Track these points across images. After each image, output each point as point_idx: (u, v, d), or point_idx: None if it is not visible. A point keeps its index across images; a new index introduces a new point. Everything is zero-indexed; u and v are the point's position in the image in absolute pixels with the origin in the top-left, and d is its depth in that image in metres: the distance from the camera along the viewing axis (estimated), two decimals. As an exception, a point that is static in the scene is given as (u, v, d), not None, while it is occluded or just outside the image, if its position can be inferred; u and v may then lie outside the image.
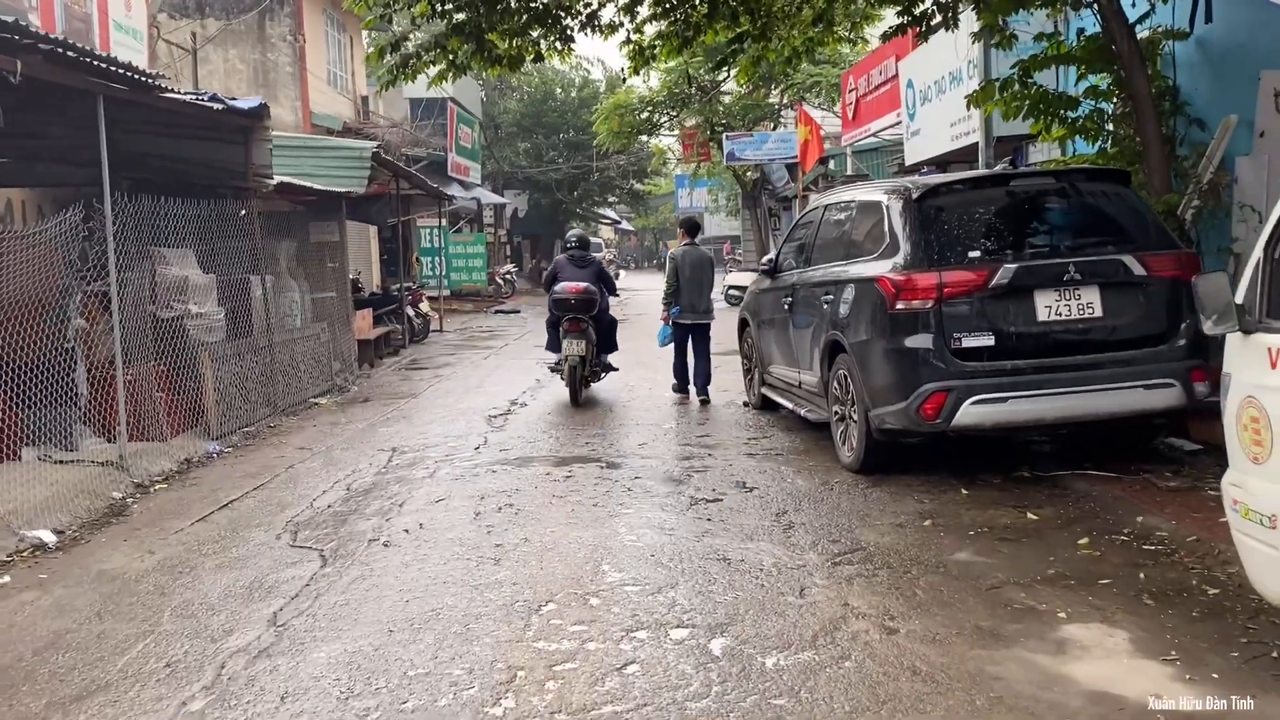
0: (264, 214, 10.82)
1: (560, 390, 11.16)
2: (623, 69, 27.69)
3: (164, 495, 6.96)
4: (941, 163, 13.71)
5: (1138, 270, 5.82)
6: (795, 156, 22.88)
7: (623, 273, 39.37)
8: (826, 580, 4.63)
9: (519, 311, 24.67)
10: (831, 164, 23.04)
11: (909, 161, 14.15)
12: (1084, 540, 5.02)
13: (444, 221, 24.71)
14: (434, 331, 19.21)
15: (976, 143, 11.14)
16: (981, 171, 8.74)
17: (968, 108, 7.96)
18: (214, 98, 8.51)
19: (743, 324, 9.74)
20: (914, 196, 6.22)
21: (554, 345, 10.63)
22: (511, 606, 4.42)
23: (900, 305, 5.93)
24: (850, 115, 19.24)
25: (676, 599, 4.45)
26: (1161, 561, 4.67)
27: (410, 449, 8.20)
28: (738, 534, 5.41)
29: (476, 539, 5.51)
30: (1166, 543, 4.90)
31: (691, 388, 10.19)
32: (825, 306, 6.95)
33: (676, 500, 6.18)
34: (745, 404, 9.70)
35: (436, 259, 24.44)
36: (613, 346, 10.98)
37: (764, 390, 8.99)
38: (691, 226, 10.70)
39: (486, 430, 8.91)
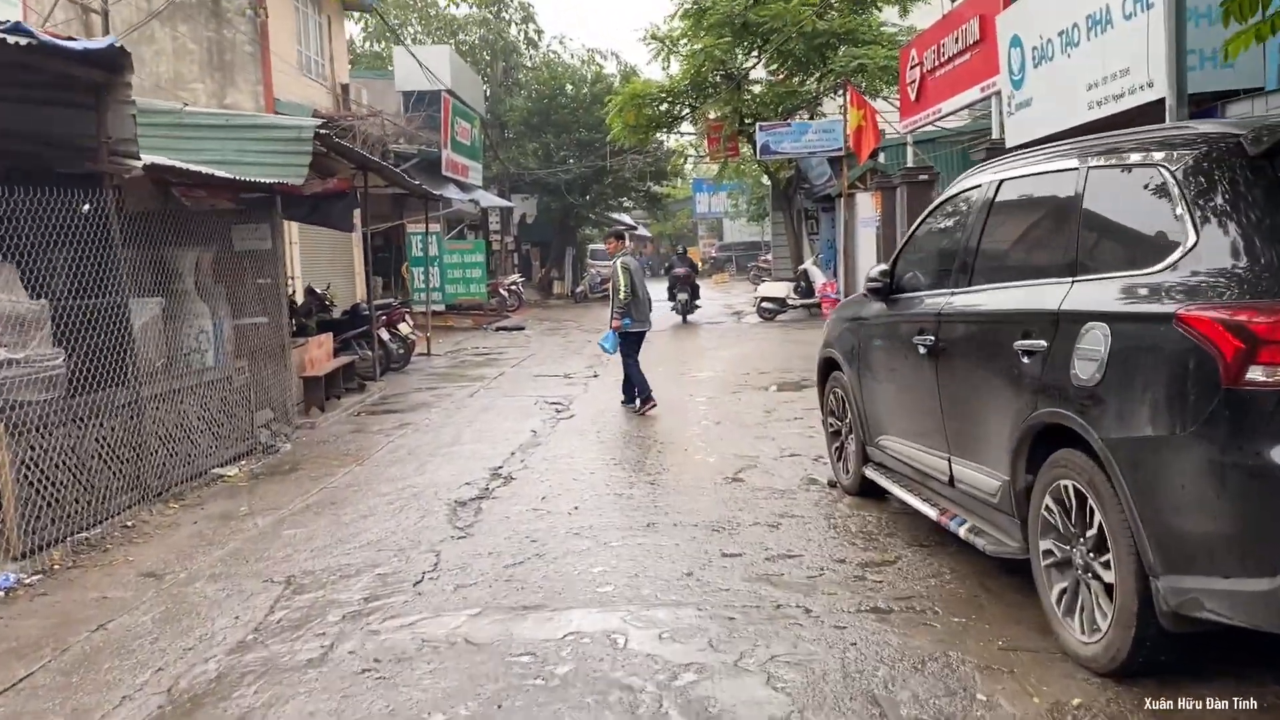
0: (162, 214, 7.86)
1: (562, 448, 8.08)
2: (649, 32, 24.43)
3: None
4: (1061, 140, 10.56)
5: None
6: (840, 149, 19.79)
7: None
8: None
9: (523, 329, 21.60)
10: (882, 157, 19.92)
11: (1013, 142, 11.00)
12: None
13: (437, 226, 21.75)
14: (419, 355, 16.16)
15: (1140, 105, 8.02)
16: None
17: (1225, 20, 4.85)
18: (17, 28, 5.46)
19: (827, 366, 6.61)
20: (1250, 151, 3.10)
21: (671, 297, 21.71)
22: None
23: (1260, 375, 2.81)
24: (913, 96, 16.11)
25: None
26: None
27: (315, 579, 5.11)
28: None
29: None
30: None
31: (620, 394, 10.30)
32: (1025, 359, 3.84)
33: (776, 765, 3.06)
34: (831, 484, 6.58)
35: (430, 269, 21.40)
36: (697, 296, 22.50)
37: (869, 471, 5.87)
38: (620, 235, 11.04)
39: (445, 536, 5.81)
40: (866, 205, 19.56)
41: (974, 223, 4.66)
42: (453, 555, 5.42)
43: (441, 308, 21.89)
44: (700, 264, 50.85)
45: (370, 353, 13.19)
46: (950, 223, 5.07)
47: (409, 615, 4.53)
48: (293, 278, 16.46)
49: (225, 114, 9.99)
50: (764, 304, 21.69)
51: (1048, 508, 3.79)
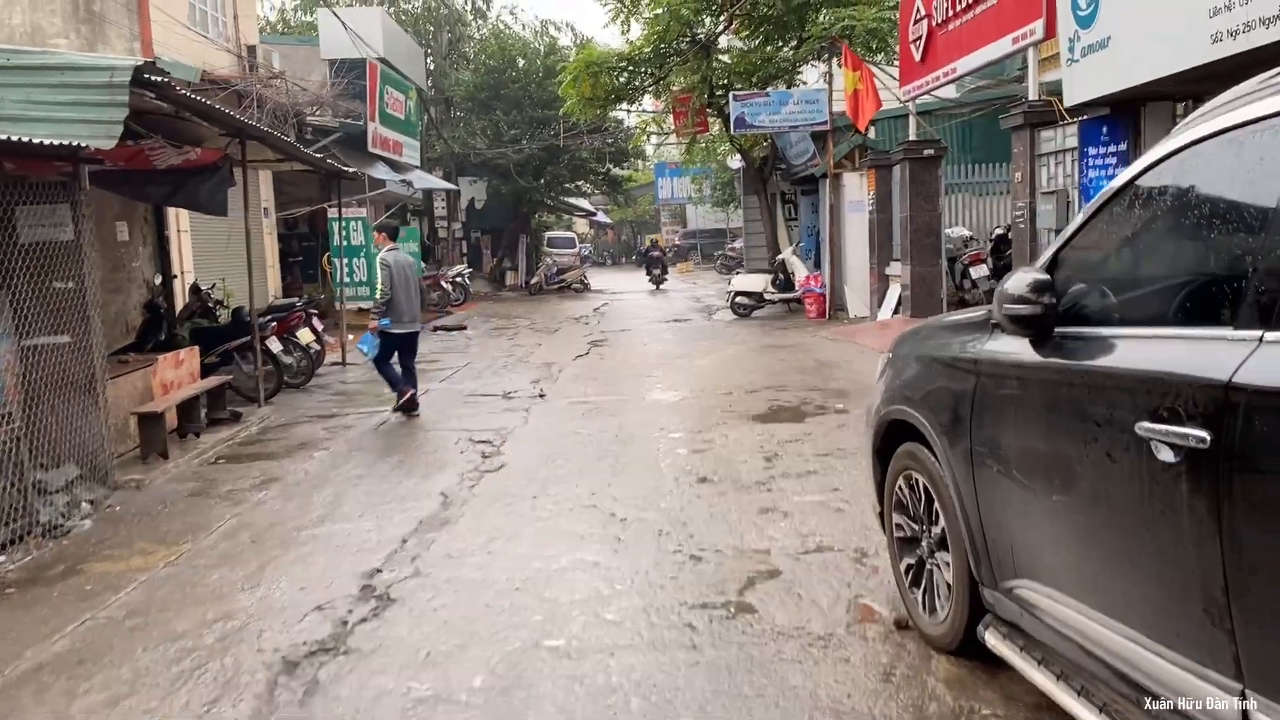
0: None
1: (479, 533, 5.38)
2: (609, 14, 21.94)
3: None
4: (1137, 98, 8.12)
5: None
6: (825, 122, 17.28)
7: (589, 274, 33.41)
8: None
9: (464, 328, 18.89)
10: (872, 131, 17.45)
11: (1077, 98, 8.50)
12: None
13: (363, 211, 19.00)
14: (332, 365, 13.47)
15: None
16: None
17: None
18: None
19: (893, 433, 4.05)
20: None
21: (648, 273, 30.27)
22: None
23: None
24: (917, 55, 13.62)
25: None
26: None
27: None
28: None
29: None
30: None
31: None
32: None
33: None
34: (901, 624, 4.05)
35: (354, 261, 18.60)
36: (666, 272, 30.70)
37: (991, 639, 3.31)
38: (393, 230, 10.42)
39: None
40: (856, 186, 17.09)
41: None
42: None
43: (369, 305, 19.08)
44: (664, 252, 48.78)
45: (253, 368, 10.44)
46: (1216, 192, 2.50)
47: None
48: (176, 275, 13.70)
49: (4, 50, 7.22)
50: (738, 299, 19.16)
51: None
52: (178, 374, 9.11)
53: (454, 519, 5.98)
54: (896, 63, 17.62)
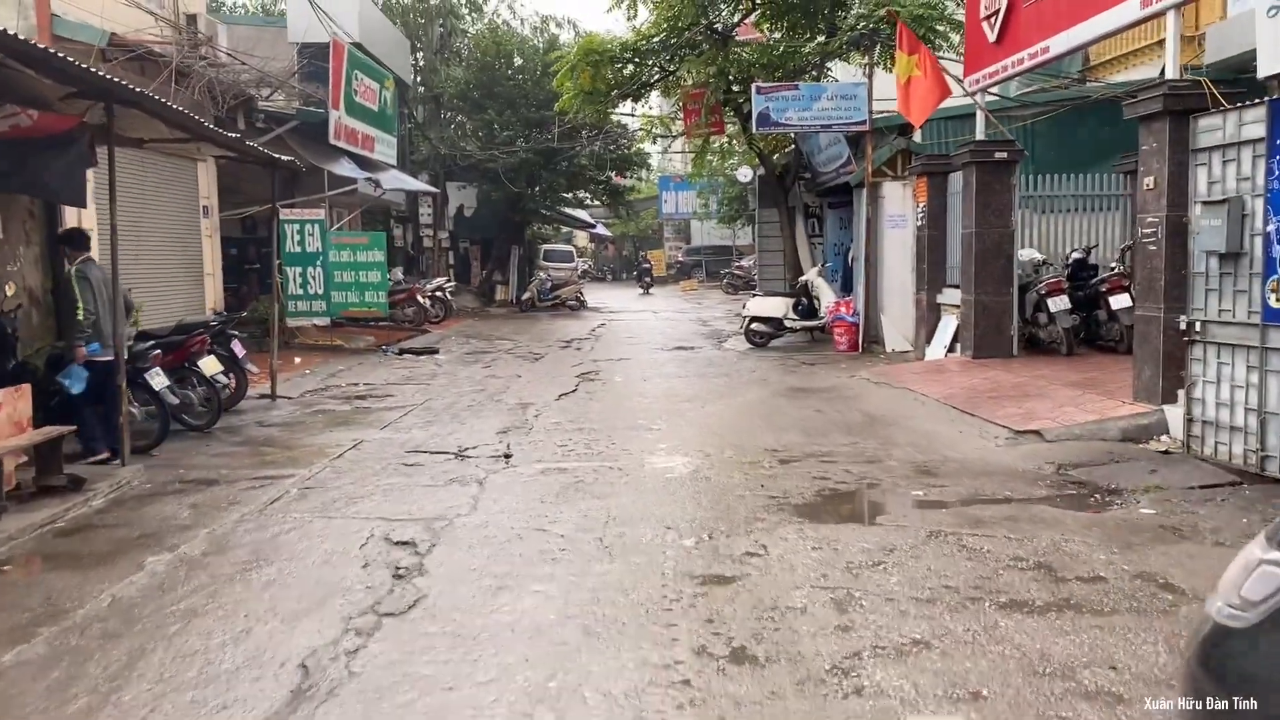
0: None
1: None
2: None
3: None
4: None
5: None
6: (864, 121, 14.67)
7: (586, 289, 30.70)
8: None
9: (435, 352, 16.20)
10: (917, 135, 14.88)
11: (1286, 63, 5.89)
12: None
13: (320, 213, 16.38)
14: (260, 397, 10.82)
15: None
16: None
17: None
18: None
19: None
20: None
21: (639, 281, 38.66)
22: None
23: None
24: (991, 35, 11.04)
25: None
26: None
27: None
28: None
29: None
30: None
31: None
32: None
33: None
34: None
35: (311, 270, 15.95)
36: (653, 280, 39.01)
37: None
38: (81, 239, 8.12)
39: None
40: (898, 198, 14.49)
41: None
42: None
43: (325, 321, 16.44)
44: (665, 268, 47.17)
45: (134, 409, 7.80)
46: None
47: None
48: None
49: None
50: (754, 325, 16.50)
51: None
52: (-9, 424, 6.46)
53: (297, 744, 3.31)
54: (946, 55, 15.13)
